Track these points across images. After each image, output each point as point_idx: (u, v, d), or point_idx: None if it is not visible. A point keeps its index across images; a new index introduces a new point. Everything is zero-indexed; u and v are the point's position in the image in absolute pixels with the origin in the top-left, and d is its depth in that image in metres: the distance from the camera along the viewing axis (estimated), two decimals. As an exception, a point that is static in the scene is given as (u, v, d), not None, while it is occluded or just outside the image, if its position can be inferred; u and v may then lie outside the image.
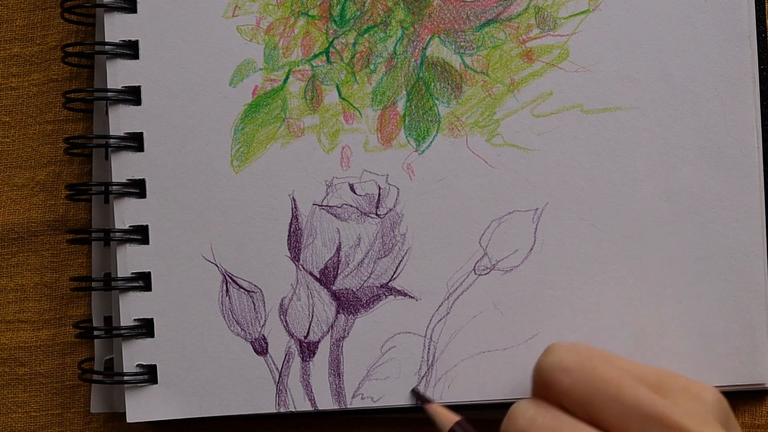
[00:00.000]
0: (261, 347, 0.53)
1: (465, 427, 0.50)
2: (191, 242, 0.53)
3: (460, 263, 0.52)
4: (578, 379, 0.44)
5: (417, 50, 0.52)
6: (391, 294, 0.52)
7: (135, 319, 0.53)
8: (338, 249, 0.53)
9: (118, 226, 0.53)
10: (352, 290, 0.53)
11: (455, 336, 0.52)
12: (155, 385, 0.53)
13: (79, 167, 0.57)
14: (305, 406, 0.53)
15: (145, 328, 0.53)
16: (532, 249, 0.52)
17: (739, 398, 0.53)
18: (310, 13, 0.53)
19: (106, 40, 0.53)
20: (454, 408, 0.52)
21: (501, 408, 0.52)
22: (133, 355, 0.53)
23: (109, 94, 0.53)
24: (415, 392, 0.52)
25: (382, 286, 0.53)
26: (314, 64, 0.53)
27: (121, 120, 0.53)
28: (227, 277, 0.53)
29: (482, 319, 0.52)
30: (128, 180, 0.53)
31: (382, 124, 0.53)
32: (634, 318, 0.52)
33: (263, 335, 0.53)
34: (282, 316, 0.53)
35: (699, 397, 0.44)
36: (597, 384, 0.43)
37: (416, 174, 0.53)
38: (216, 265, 0.53)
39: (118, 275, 0.53)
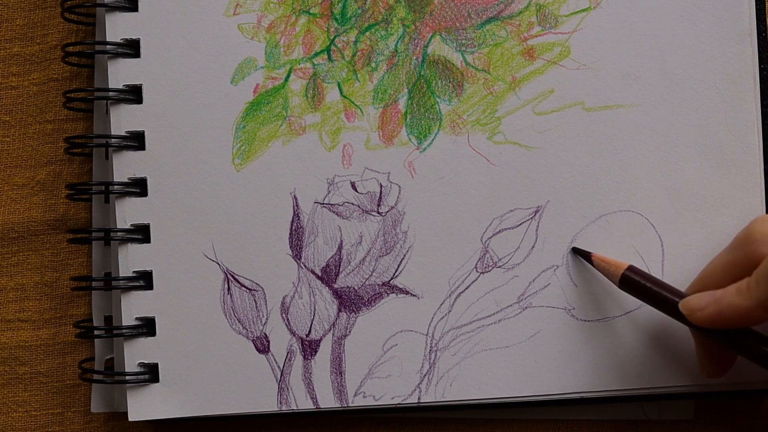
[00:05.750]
0: (263, 345, 0.53)
1: (637, 271, 0.49)
2: (193, 240, 0.53)
3: (461, 261, 0.52)
4: None
5: (418, 48, 0.52)
6: (393, 292, 0.52)
7: (136, 318, 0.53)
8: (340, 247, 0.52)
9: (119, 225, 0.53)
10: (353, 288, 0.52)
11: (457, 334, 0.52)
12: (157, 384, 0.52)
13: (79, 167, 0.57)
14: (307, 405, 0.52)
15: (147, 326, 0.53)
16: (533, 246, 0.52)
17: (739, 398, 0.53)
18: (311, 11, 0.53)
19: (108, 38, 0.53)
20: (456, 407, 0.52)
21: (503, 407, 0.52)
22: (135, 353, 0.53)
23: (110, 93, 0.53)
24: (575, 249, 0.51)
25: (383, 284, 0.52)
26: (315, 62, 0.53)
27: (122, 119, 0.53)
28: (229, 275, 0.53)
29: (484, 317, 0.52)
30: (129, 179, 0.53)
31: (384, 122, 0.53)
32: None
33: (265, 333, 0.53)
34: (284, 315, 0.52)
35: None
36: None
37: (418, 172, 0.52)
38: (218, 264, 0.53)
39: (120, 274, 0.53)
